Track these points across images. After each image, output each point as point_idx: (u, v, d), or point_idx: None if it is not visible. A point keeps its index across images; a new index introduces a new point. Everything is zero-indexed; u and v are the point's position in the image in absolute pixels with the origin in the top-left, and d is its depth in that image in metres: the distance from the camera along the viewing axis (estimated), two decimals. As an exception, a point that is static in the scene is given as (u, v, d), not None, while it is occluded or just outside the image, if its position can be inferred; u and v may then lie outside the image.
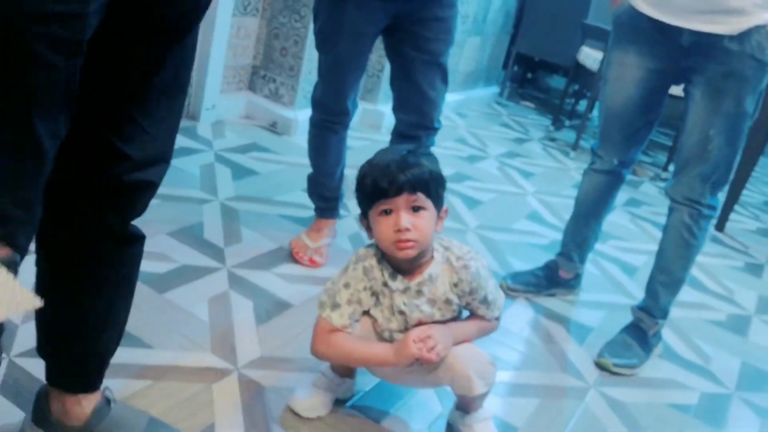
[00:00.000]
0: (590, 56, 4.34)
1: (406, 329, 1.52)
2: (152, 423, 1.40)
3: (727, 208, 3.61)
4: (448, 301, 1.52)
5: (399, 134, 2.25)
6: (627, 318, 2.29)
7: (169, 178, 2.50)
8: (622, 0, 2.10)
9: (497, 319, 1.62)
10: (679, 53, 1.97)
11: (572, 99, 5.29)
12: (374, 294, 1.52)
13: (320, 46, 2.12)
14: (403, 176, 1.41)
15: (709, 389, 2.17)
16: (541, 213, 3.22)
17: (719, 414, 2.07)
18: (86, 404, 1.32)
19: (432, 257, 1.51)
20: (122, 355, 1.63)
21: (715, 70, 1.92)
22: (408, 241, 1.42)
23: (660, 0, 1.95)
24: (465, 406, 1.65)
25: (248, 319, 1.91)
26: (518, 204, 3.27)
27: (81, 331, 1.26)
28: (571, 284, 2.50)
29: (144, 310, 1.81)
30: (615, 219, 3.33)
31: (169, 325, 1.79)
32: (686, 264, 2.15)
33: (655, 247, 2.24)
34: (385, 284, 1.50)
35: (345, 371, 1.67)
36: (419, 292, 1.50)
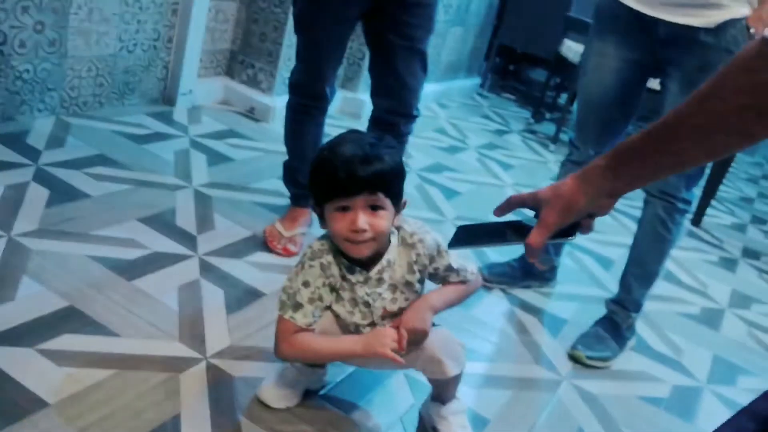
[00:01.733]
0: (572, 49, 4.34)
1: (372, 322, 1.50)
2: None
3: (704, 203, 3.63)
4: (408, 284, 1.50)
5: (376, 120, 2.22)
6: (602, 310, 2.29)
7: (143, 163, 2.49)
8: None
9: (473, 275, 1.57)
10: (657, 45, 1.96)
11: (553, 92, 5.28)
12: (334, 290, 1.48)
13: (299, 28, 2.09)
14: (363, 174, 1.34)
15: (680, 382, 2.18)
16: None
17: (690, 406, 2.07)
18: None
19: (388, 242, 1.48)
20: (87, 342, 1.61)
21: (691, 63, 1.91)
22: (362, 241, 1.39)
23: None
24: (440, 395, 1.63)
25: (218, 307, 1.88)
26: (496, 196, 3.26)
27: None
28: (546, 276, 2.49)
29: (111, 297, 1.78)
30: (592, 212, 3.32)
31: (137, 313, 1.76)
32: (660, 258, 2.15)
33: (631, 241, 2.23)
34: (344, 278, 1.47)
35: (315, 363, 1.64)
36: (380, 280, 1.47)
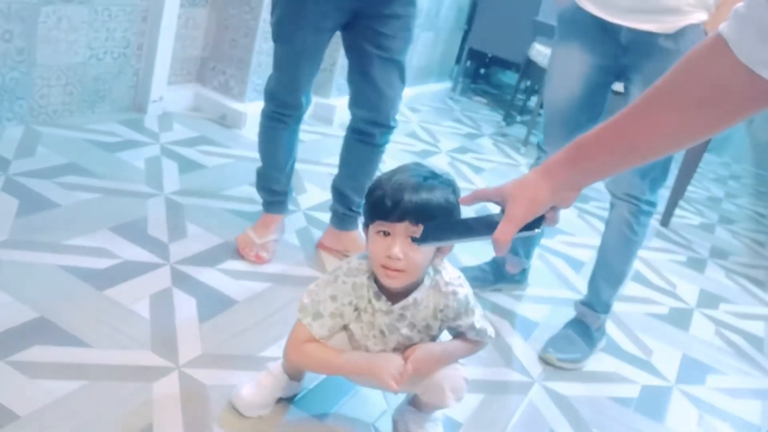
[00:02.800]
0: (541, 53, 4.38)
1: (383, 350, 1.51)
2: None
3: (672, 203, 3.68)
4: (428, 327, 1.51)
5: (354, 130, 2.25)
6: (572, 312, 2.32)
7: (113, 172, 2.48)
8: None
9: (490, 337, 1.60)
10: (619, 50, 2.00)
11: (524, 95, 5.33)
12: (356, 309, 1.49)
13: (276, 37, 2.10)
14: (409, 203, 1.34)
15: (650, 382, 2.21)
16: (490, 208, 3.22)
17: (659, 406, 2.11)
18: None
19: (421, 281, 1.47)
20: (57, 354, 1.60)
21: (652, 68, 1.95)
22: (396, 270, 1.39)
23: None
24: (421, 406, 1.65)
25: (191, 316, 1.88)
26: (468, 199, 3.28)
27: None
28: (517, 279, 2.52)
29: (82, 307, 1.77)
30: (562, 214, 3.35)
31: (108, 323, 1.75)
32: (627, 259, 2.18)
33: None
34: (370, 301, 1.48)
35: (296, 375, 1.65)
36: (402, 316, 1.48)
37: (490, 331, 1.59)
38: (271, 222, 2.32)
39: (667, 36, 1.91)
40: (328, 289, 1.48)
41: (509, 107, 4.98)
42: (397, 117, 2.25)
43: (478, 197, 1.12)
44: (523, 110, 5.20)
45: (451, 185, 1.43)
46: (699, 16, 1.89)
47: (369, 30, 2.06)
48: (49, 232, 2.05)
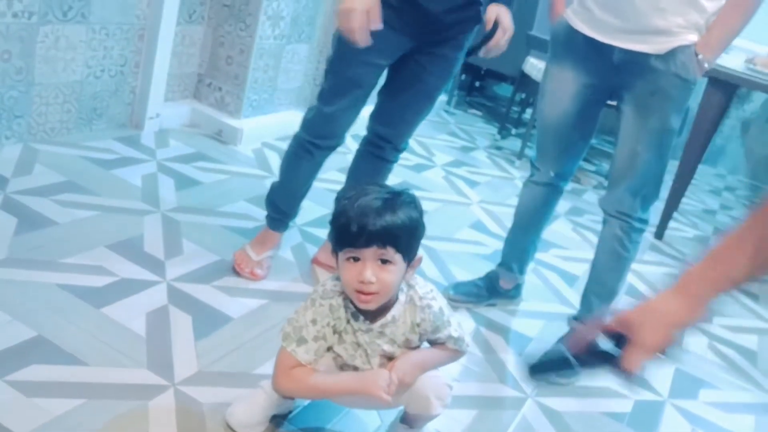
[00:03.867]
0: (535, 66, 4.41)
1: (371, 368, 1.53)
2: None
3: (666, 216, 3.70)
4: (407, 341, 1.54)
5: (368, 142, 2.30)
6: (566, 327, 2.34)
7: (110, 189, 2.50)
8: (559, 17, 2.16)
9: (468, 345, 1.64)
10: (611, 70, 2.03)
11: (519, 107, 5.36)
12: (336, 332, 1.52)
13: (329, 68, 2.11)
14: (374, 227, 1.37)
15: (643, 397, 2.23)
16: (484, 222, 3.26)
17: (652, 421, 2.13)
18: None
19: (396, 298, 1.51)
20: (55, 372, 1.62)
21: (643, 88, 1.98)
22: (370, 294, 1.42)
23: (593, 19, 2.01)
24: (412, 422, 1.67)
25: (187, 333, 1.90)
26: (463, 213, 3.31)
27: None
28: (511, 294, 2.54)
29: (79, 325, 1.80)
30: (557, 228, 3.40)
31: (105, 341, 1.77)
32: (619, 275, 2.21)
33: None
34: (348, 322, 1.51)
35: (289, 394, 1.67)
36: (381, 333, 1.51)
37: (468, 339, 1.63)
38: (270, 239, 2.34)
39: (657, 56, 1.94)
40: (308, 314, 1.51)
41: (504, 120, 5.01)
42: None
43: (590, 333, 1.03)
44: (518, 123, 5.23)
45: (412, 201, 1.47)
46: (689, 37, 1.93)
47: (415, 63, 2.10)
48: (47, 250, 2.07)
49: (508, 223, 2.52)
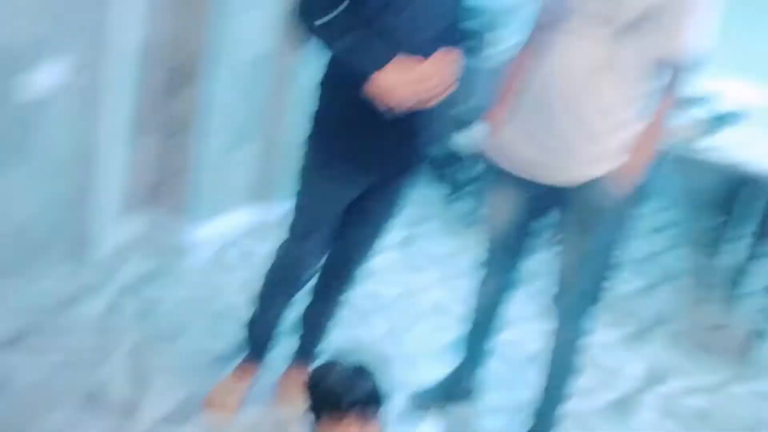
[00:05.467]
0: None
1: None
2: None
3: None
4: None
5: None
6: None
7: (65, 333, 2.37)
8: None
9: None
10: (538, 197, 2.14)
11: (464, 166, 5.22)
12: None
13: (301, 186, 2.10)
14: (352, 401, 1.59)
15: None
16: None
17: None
18: None
19: None
20: None
21: (568, 215, 2.08)
22: None
23: (509, 153, 2.11)
24: None
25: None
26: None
27: None
28: (468, 396, 2.56)
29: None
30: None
31: None
32: (568, 382, 2.31)
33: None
34: None
35: None
36: None
37: None
38: (247, 372, 2.33)
39: (572, 189, 2.04)
40: None
41: (451, 182, 4.84)
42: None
43: None
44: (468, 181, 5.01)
45: (372, 372, 1.68)
46: (601, 168, 2.00)
47: (380, 192, 2.10)
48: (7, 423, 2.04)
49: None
